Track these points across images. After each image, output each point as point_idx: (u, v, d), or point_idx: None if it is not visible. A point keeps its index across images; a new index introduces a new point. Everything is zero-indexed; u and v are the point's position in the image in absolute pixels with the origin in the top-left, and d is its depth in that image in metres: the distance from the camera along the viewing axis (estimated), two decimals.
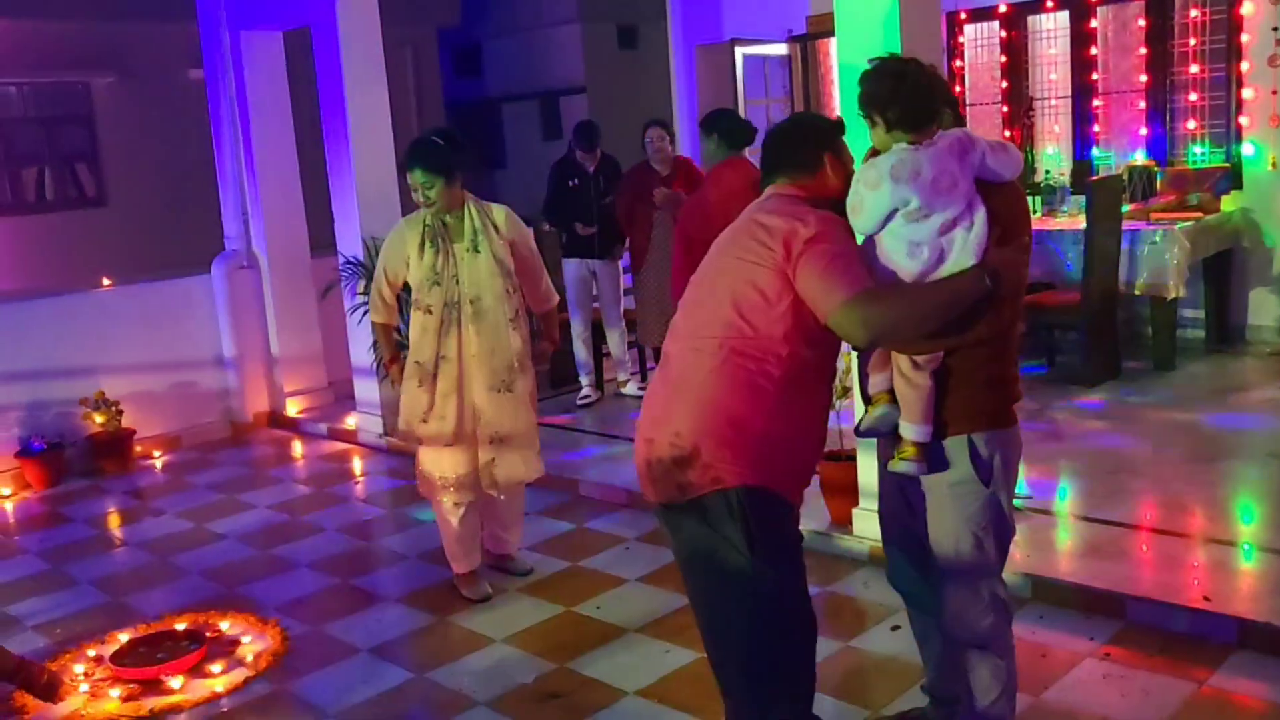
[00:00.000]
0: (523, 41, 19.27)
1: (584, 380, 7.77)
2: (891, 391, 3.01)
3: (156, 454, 7.68)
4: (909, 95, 2.87)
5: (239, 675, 4.29)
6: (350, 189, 7.36)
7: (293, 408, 8.24)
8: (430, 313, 4.62)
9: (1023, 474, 3.87)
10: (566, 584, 4.93)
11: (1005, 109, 8.66)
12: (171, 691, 4.19)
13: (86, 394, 7.31)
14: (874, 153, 3.02)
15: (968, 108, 8.79)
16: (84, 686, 4.28)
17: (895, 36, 4.47)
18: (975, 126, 9.03)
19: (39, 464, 7.08)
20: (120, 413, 7.40)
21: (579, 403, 7.70)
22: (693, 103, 9.61)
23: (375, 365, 6.82)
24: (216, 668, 4.33)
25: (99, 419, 7.33)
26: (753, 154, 6.37)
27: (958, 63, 8.82)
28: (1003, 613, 3.07)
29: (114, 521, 6.49)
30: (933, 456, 2.96)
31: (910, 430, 2.96)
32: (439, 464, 4.74)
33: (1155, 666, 3.77)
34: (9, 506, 6.82)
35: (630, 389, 7.79)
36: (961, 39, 8.84)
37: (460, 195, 4.64)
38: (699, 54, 9.63)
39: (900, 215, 2.81)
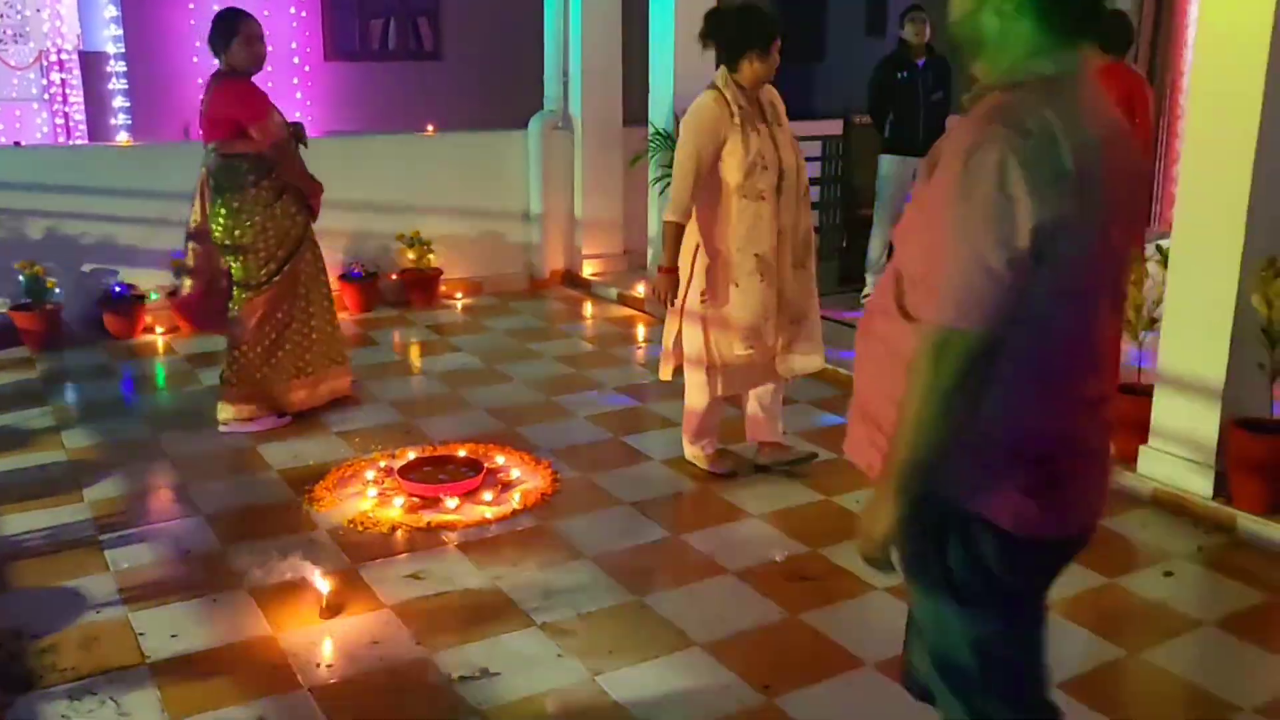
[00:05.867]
0: None
1: (870, 279, 7.64)
2: None
3: (459, 295, 8.13)
4: None
5: (508, 506, 4.54)
6: (668, 62, 7.40)
7: (588, 269, 8.51)
8: (764, 199, 4.40)
9: None
10: (832, 474, 4.89)
11: None
12: (447, 510, 4.49)
13: (404, 231, 7.82)
14: None
15: None
16: (372, 491, 4.66)
17: None
18: None
19: (356, 289, 7.67)
20: (431, 252, 7.88)
21: (862, 299, 7.59)
22: None
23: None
24: (488, 495, 4.60)
25: (412, 256, 7.84)
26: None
27: None
28: None
29: (415, 351, 6.95)
30: None
31: None
32: (729, 344, 4.57)
33: None
34: None
35: None
36: None
37: None
38: None
39: None
